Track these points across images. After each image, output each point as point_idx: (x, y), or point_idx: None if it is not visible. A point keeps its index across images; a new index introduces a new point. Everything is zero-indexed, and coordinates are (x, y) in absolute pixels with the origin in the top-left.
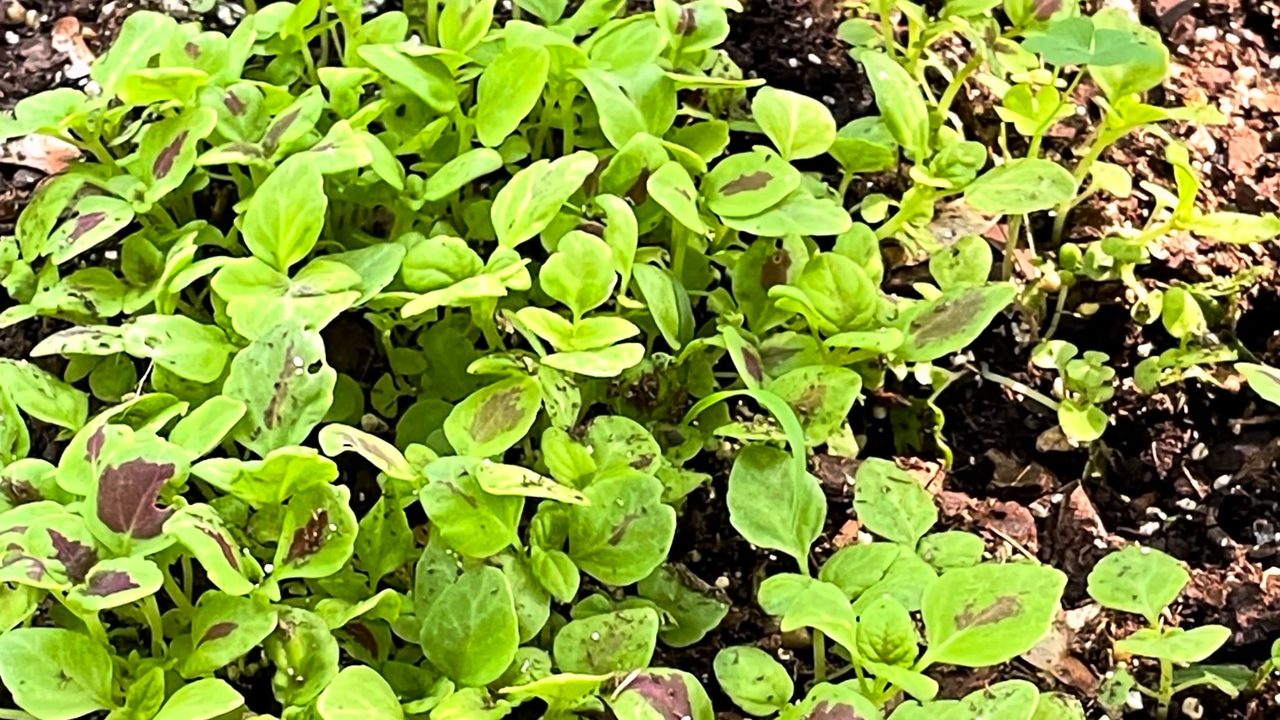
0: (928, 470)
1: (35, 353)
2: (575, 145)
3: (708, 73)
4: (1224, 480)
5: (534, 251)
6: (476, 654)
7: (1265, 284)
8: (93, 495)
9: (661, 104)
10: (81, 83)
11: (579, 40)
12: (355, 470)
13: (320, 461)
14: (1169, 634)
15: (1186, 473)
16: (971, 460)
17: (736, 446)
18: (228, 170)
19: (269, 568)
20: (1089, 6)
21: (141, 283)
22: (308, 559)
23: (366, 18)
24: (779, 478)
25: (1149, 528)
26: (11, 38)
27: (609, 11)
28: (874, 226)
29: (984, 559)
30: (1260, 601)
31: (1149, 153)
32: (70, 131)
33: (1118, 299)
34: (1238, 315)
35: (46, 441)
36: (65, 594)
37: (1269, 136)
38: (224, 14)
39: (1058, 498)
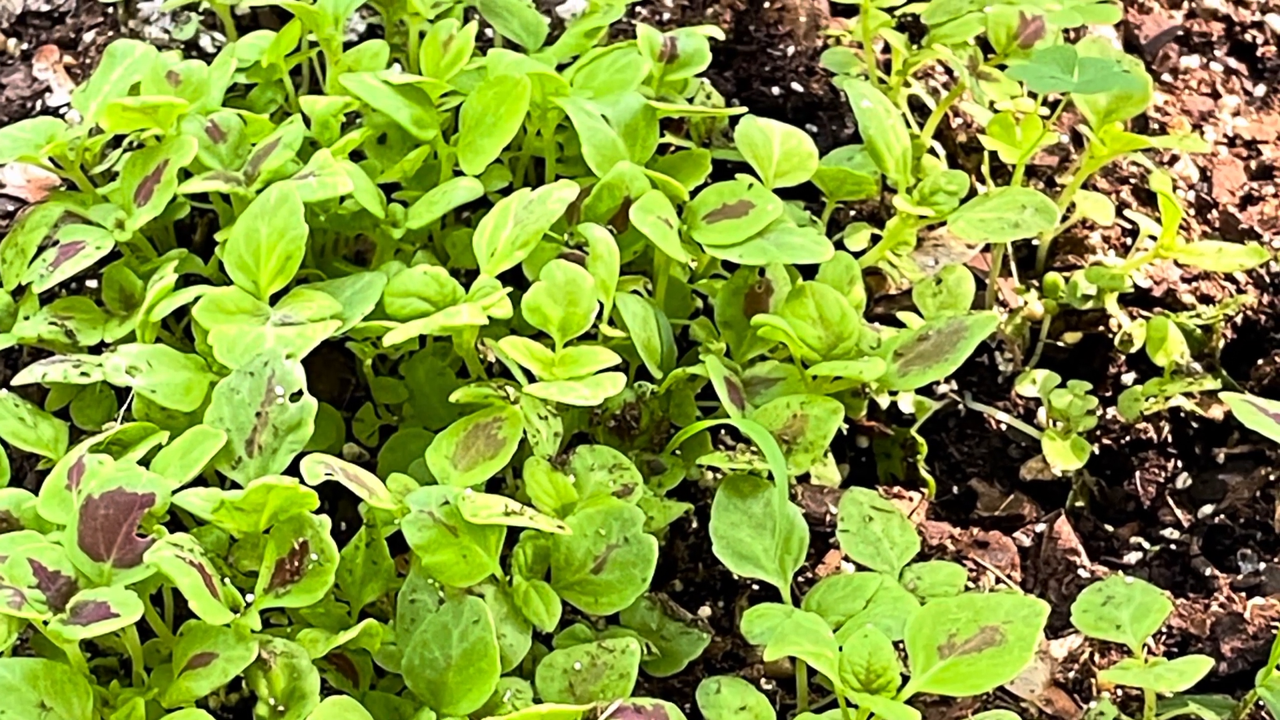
0: (910, 499)
1: (15, 381)
2: (557, 173)
3: (690, 101)
4: (1208, 509)
5: (516, 280)
6: (458, 684)
7: (1249, 313)
8: (73, 524)
9: (644, 132)
10: (62, 111)
11: (561, 68)
12: (336, 499)
13: (301, 491)
14: (1152, 664)
15: (1170, 502)
16: (954, 489)
17: (719, 476)
18: (209, 199)
19: (250, 597)
20: (1072, 34)
21: (122, 311)
22: (289, 588)
23: (348, 46)
24: (761, 507)
25: (1132, 557)
26: None
27: (591, 39)
28: (857, 255)
29: (967, 588)
30: (1244, 631)
31: (1132, 181)
32: (51, 160)
33: (1101, 328)
34: (1221, 344)
35: (27, 471)
36: (46, 623)
37: (1253, 165)
38: (205, 42)
39: (1041, 527)
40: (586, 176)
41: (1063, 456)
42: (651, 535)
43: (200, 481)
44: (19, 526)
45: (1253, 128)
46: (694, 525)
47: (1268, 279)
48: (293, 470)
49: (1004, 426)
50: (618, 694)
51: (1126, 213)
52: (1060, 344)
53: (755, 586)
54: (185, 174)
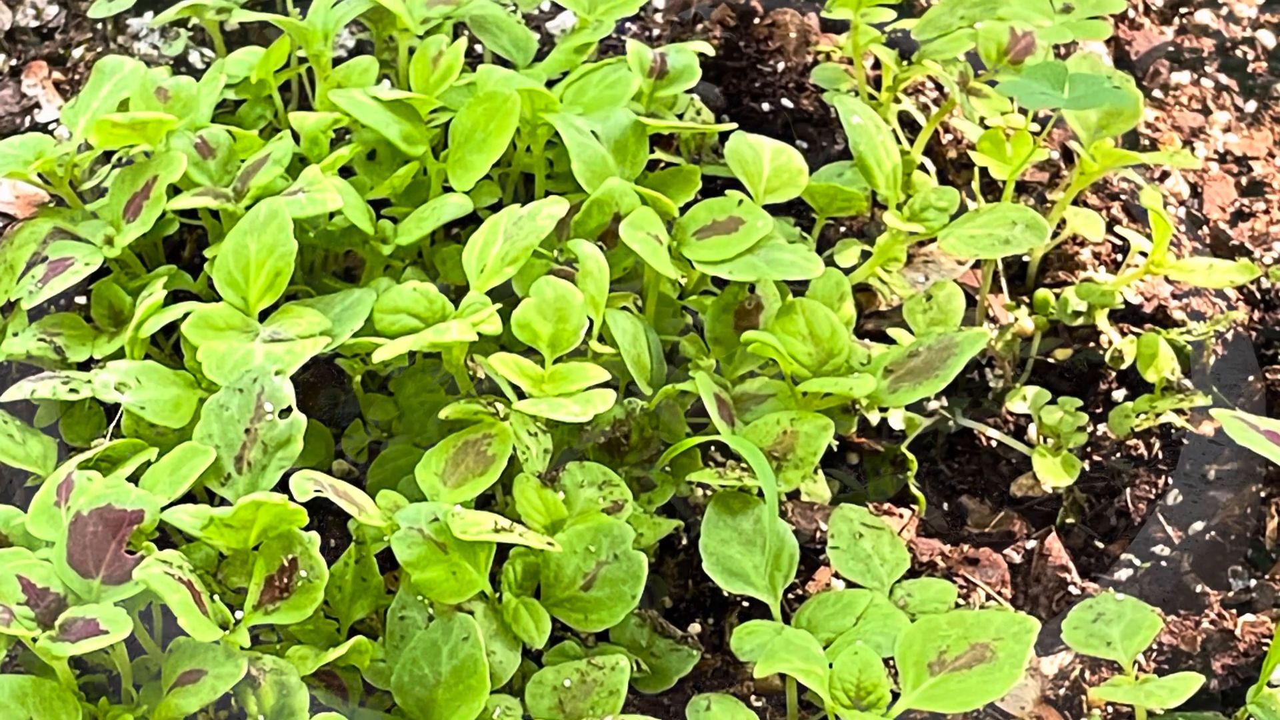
0: (901, 516)
1: (4, 398)
2: (547, 189)
3: (680, 117)
4: (1198, 526)
5: (506, 297)
6: (448, 701)
7: (1239, 329)
8: (62, 541)
9: (633, 148)
10: (51, 127)
11: (551, 84)
12: (326, 516)
13: (291, 507)
14: (1143, 681)
15: (1161, 519)
16: (945, 506)
17: (709, 492)
18: (198, 215)
19: (239, 614)
20: (1063, 50)
21: (111, 328)
22: (278, 605)
23: (337, 62)
24: (751, 524)
25: (1123, 574)
26: None
27: (581, 55)
28: (847, 271)
29: (957, 605)
30: (1234, 648)
31: (1123, 197)
32: (39, 176)
33: (1092, 344)
34: (1212, 360)
35: (16, 487)
36: (35, 640)
37: (1243, 181)
38: (194, 58)
39: (1031, 544)
40: (576, 193)
41: (1053, 473)
42: (641, 552)
43: (189, 498)
44: (8, 543)
45: (1243, 144)
46: (684, 542)
47: (1258, 295)
48: (282, 487)
49: (994, 443)
50: (608, 711)
51: (1117, 229)
52: (1051, 360)
53: (745, 603)
54: (174, 190)
